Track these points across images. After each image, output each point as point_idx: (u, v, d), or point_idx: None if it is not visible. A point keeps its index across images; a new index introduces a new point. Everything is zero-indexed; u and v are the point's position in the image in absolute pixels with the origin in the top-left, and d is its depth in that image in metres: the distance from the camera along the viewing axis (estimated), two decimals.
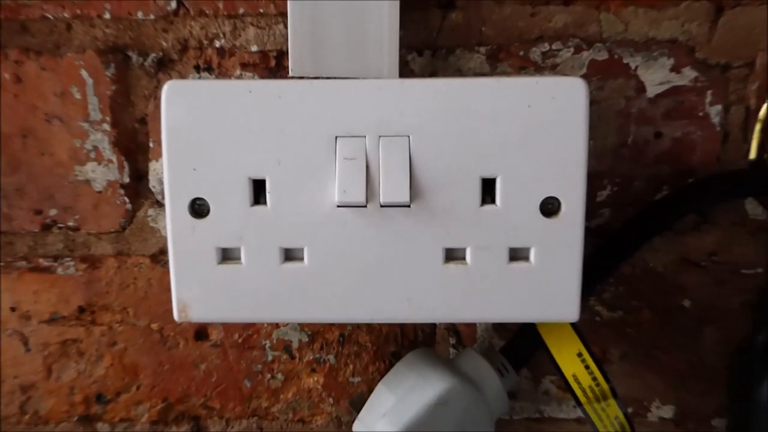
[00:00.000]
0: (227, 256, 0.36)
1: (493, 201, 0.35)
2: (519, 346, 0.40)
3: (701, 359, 0.44)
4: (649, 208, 0.40)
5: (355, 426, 0.39)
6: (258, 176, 0.35)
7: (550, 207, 0.35)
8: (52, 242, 0.43)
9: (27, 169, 0.42)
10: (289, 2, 0.36)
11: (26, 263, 0.44)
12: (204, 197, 0.35)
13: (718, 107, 0.40)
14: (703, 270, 0.43)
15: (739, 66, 0.40)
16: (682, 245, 0.42)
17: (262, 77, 0.40)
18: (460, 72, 0.40)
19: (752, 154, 0.41)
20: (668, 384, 0.44)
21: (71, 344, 0.44)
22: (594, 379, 0.38)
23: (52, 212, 0.43)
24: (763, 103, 0.40)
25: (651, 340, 0.44)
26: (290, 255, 0.36)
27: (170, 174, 0.35)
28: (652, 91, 0.40)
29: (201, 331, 0.44)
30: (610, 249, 0.40)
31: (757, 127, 0.40)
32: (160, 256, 0.43)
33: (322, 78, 0.36)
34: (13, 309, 0.44)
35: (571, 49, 0.40)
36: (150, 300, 0.43)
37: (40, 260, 0.43)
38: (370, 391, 0.39)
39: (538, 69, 0.40)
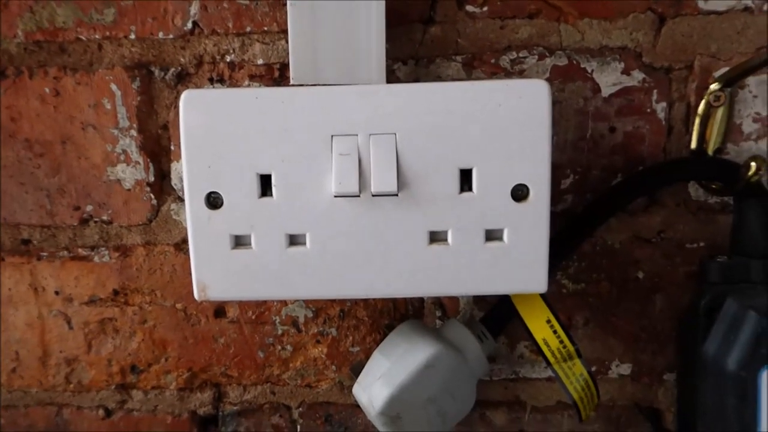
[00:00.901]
0: (239, 242, 0.35)
1: (470, 189, 0.34)
2: (496, 315, 0.40)
3: (653, 323, 0.43)
4: (605, 193, 0.40)
5: (355, 389, 0.38)
6: (265, 172, 0.34)
7: (519, 193, 0.34)
8: (89, 234, 0.42)
9: (67, 171, 0.41)
10: (289, 20, 0.35)
11: (68, 253, 0.43)
12: (218, 191, 0.34)
13: (663, 104, 0.40)
14: (652, 245, 0.42)
15: (680, 68, 0.39)
16: (634, 224, 0.42)
17: (267, 86, 0.40)
18: (439, 78, 0.39)
19: (693, 144, 0.40)
20: (626, 345, 0.44)
21: (108, 322, 0.44)
22: (561, 342, 0.37)
23: (89, 208, 0.42)
24: (701, 100, 0.39)
25: (610, 307, 0.43)
26: (294, 240, 0.35)
27: (189, 171, 0.34)
28: (606, 91, 0.40)
29: (219, 310, 0.43)
30: (572, 229, 0.39)
31: (696, 121, 0.40)
32: (182, 245, 0.42)
33: (320, 85, 0.35)
34: (57, 293, 0.43)
35: (536, 57, 0.39)
36: (175, 283, 0.43)
37: (80, 250, 0.43)
38: (368, 358, 0.38)
39: (508, 74, 0.39)
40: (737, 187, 0.38)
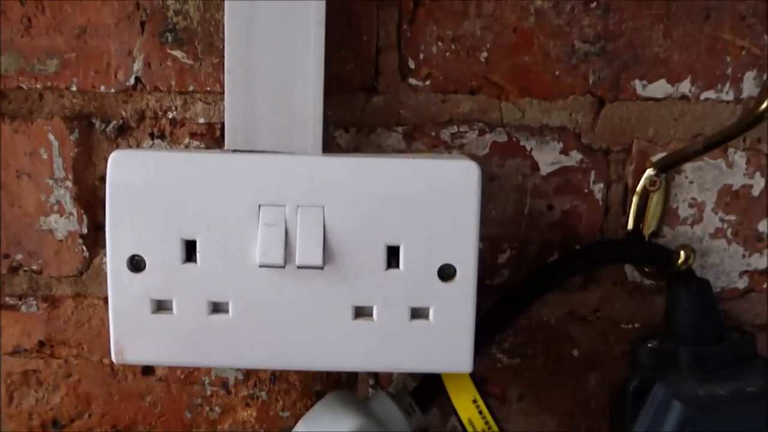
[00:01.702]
0: (161, 306, 0.34)
1: (397, 265, 0.34)
2: (426, 388, 0.39)
3: (587, 400, 0.43)
4: (540, 269, 0.39)
5: None
6: (190, 237, 0.33)
7: (446, 272, 0.33)
8: (18, 283, 0.41)
9: None
10: (226, 83, 0.35)
11: None
12: (141, 254, 0.34)
13: (601, 185, 0.40)
14: (588, 323, 0.42)
15: (618, 150, 0.40)
16: (571, 301, 0.41)
17: (208, 146, 0.39)
18: (380, 148, 0.39)
19: (630, 226, 0.40)
20: (559, 422, 0.43)
21: (31, 374, 0.42)
22: (486, 423, 0.37)
23: (19, 257, 0.41)
24: (639, 182, 0.39)
25: (545, 383, 0.42)
26: (217, 308, 0.34)
27: (111, 232, 0.34)
28: (544, 169, 0.40)
29: (148, 367, 0.42)
30: (507, 304, 0.39)
31: (634, 202, 0.40)
32: None
33: (253, 151, 0.35)
34: None
35: (476, 132, 0.39)
36: (103, 337, 0.41)
37: (7, 298, 0.41)
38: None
39: (448, 147, 0.39)
40: (669, 273, 0.38)
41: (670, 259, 0.38)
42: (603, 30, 0.38)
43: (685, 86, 0.39)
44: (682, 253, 0.37)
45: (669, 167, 0.39)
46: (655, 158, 0.39)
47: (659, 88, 0.39)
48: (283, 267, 0.33)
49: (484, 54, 0.38)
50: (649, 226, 0.40)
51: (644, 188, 0.39)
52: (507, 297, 0.39)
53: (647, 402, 0.38)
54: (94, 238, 0.41)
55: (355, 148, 0.39)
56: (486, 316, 0.38)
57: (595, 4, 0.38)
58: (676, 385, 0.37)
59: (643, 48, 0.38)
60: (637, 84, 0.39)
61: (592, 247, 0.40)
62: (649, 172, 0.39)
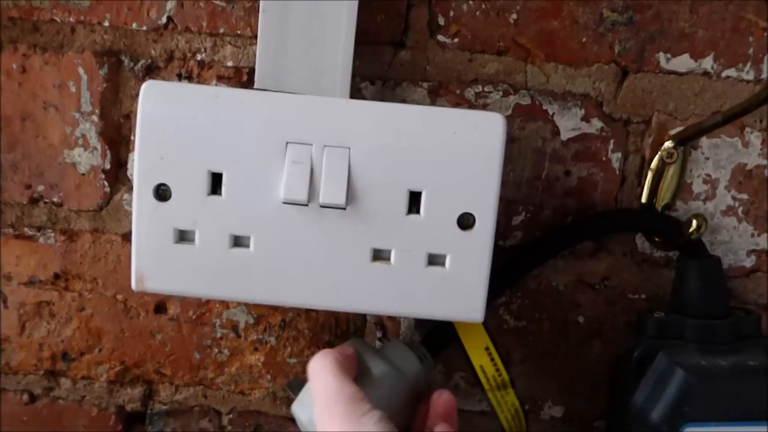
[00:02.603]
0: (183, 237, 0.35)
1: (417, 211, 0.34)
2: (436, 338, 0.39)
3: (589, 368, 0.43)
4: (551, 232, 0.40)
5: (294, 406, 0.37)
6: (216, 170, 0.34)
7: (466, 221, 0.34)
8: (37, 214, 0.42)
9: (23, 148, 0.41)
10: (260, 24, 0.35)
11: (12, 230, 0.42)
12: (168, 183, 0.34)
13: (618, 154, 0.41)
14: (596, 291, 0.42)
15: (638, 122, 0.40)
16: (580, 268, 0.42)
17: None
18: (405, 102, 0.40)
19: (643, 198, 0.41)
20: (560, 387, 0.44)
21: (45, 306, 0.43)
22: (497, 370, 0.37)
23: (40, 188, 0.41)
24: (656, 155, 0.40)
25: (548, 348, 0.43)
26: (238, 242, 0.35)
27: (140, 160, 0.34)
28: (565, 135, 0.40)
29: (160, 305, 0.43)
30: (516, 262, 0.40)
31: (649, 175, 0.40)
32: (130, 236, 0.41)
33: (281, 92, 0.35)
34: None
35: (500, 93, 0.40)
36: (118, 274, 0.42)
37: (26, 229, 0.42)
38: (304, 372, 0.38)
39: (471, 106, 0.40)
40: (679, 243, 0.39)
41: (681, 230, 0.39)
42: (632, 1, 0.39)
43: (707, 62, 0.40)
44: (694, 221, 0.38)
45: (686, 141, 0.40)
46: (673, 131, 0.40)
47: (683, 62, 0.40)
48: (307, 205, 0.34)
49: (514, 16, 0.39)
50: (663, 198, 0.40)
51: (661, 160, 0.40)
52: (516, 255, 0.40)
53: (649, 370, 0.38)
54: (116, 174, 0.41)
55: (380, 101, 0.40)
56: (495, 272, 0.38)
57: None
58: (679, 355, 0.38)
59: (670, 22, 0.39)
60: (662, 57, 0.39)
61: (605, 214, 0.40)
62: (667, 144, 0.40)
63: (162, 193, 0.34)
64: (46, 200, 0.41)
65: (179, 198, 0.34)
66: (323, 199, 0.33)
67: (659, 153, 0.40)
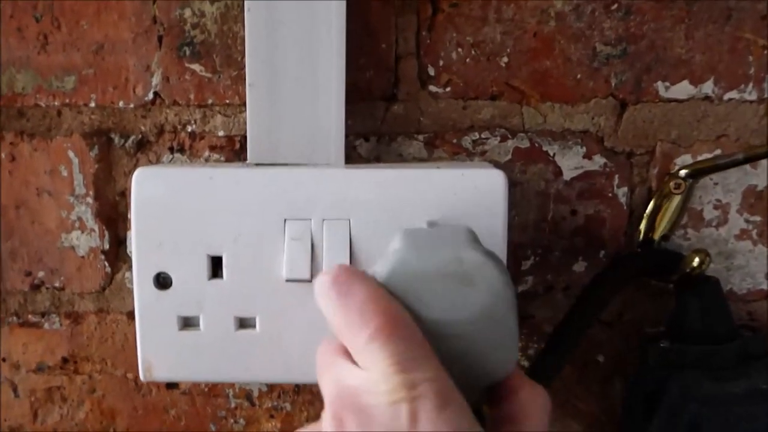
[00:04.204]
0: (188, 323, 0.34)
1: None
2: None
3: (614, 406, 0.42)
4: (557, 330, 0.38)
5: None
6: (216, 253, 0.33)
7: None
8: (40, 300, 0.41)
9: (20, 236, 0.40)
10: (248, 96, 0.35)
11: (17, 318, 0.42)
12: (167, 271, 0.34)
13: (625, 189, 0.40)
14: (612, 328, 0.41)
15: (642, 153, 0.40)
16: None
17: (228, 159, 0.39)
18: (401, 156, 0.39)
19: (641, 232, 0.39)
20: (586, 428, 0.43)
21: (55, 391, 0.42)
22: None
23: (41, 274, 0.41)
24: (662, 184, 0.39)
25: (571, 390, 0.42)
26: (244, 323, 0.34)
27: (138, 250, 0.34)
28: (567, 174, 0.39)
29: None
30: (553, 352, 0.38)
31: (651, 204, 0.39)
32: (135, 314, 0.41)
33: (276, 164, 0.35)
34: (4, 359, 0.42)
35: (498, 138, 0.39)
36: (126, 352, 0.42)
37: (30, 316, 0.42)
38: None
39: (470, 154, 0.39)
40: (676, 277, 0.38)
41: (679, 264, 0.38)
42: (624, 32, 0.38)
43: (708, 87, 0.39)
44: (696, 258, 0.37)
45: (701, 174, 0.39)
46: (681, 160, 0.39)
47: (682, 89, 0.39)
48: (310, 281, 0.33)
49: (505, 59, 0.38)
50: (661, 230, 0.39)
51: (669, 191, 0.39)
52: (549, 345, 0.38)
53: (662, 402, 0.37)
54: (116, 253, 0.41)
55: (376, 157, 0.39)
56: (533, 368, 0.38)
57: (615, 6, 0.38)
58: (689, 385, 0.37)
59: (665, 49, 0.38)
60: (660, 86, 0.39)
61: (602, 279, 0.38)
62: (682, 173, 0.38)
63: (162, 281, 0.34)
64: (48, 285, 0.41)
65: (180, 284, 0.34)
66: None
67: (665, 184, 0.39)
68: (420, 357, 0.24)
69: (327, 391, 0.26)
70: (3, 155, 0.39)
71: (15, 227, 0.40)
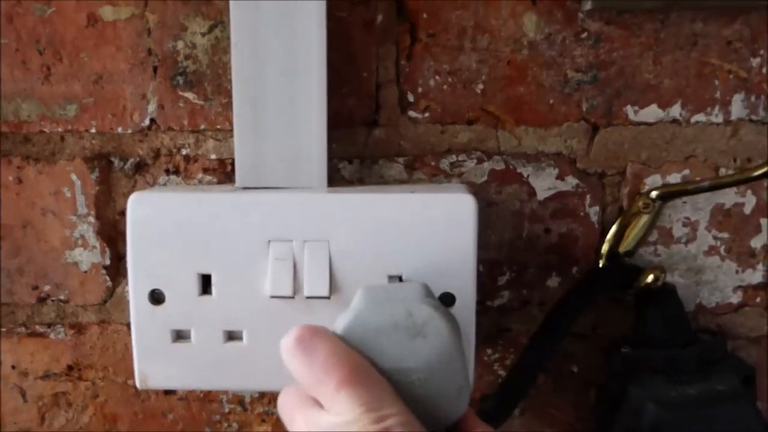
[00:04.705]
0: (180, 336, 0.37)
1: None
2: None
3: (588, 417, 0.44)
4: (528, 348, 0.40)
5: None
6: (205, 271, 0.36)
7: (446, 300, 0.35)
8: (46, 312, 0.44)
9: (26, 253, 0.43)
10: (234, 125, 0.37)
11: (25, 329, 0.44)
12: (161, 288, 0.36)
13: (596, 208, 0.42)
14: (587, 340, 0.43)
15: (613, 174, 0.41)
16: None
17: (220, 180, 0.42)
18: (383, 178, 0.41)
19: (604, 248, 0.41)
20: None
21: (61, 396, 0.45)
22: None
23: (47, 288, 0.43)
24: (632, 203, 0.41)
25: (545, 399, 0.44)
26: (232, 336, 0.37)
27: (133, 269, 0.36)
28: (541, 195, 0.41)
29: None
30: (523, 369, 0.40)
31: (617, 221, 0.41)
32: None
33: (262, 188, 0.37)
34: (13, 367, 0.45)
35: (474, 160, 0.41)
36: (126, 360, 0.44)
37: (36, 327, 0.44)
38: None
39: (447, 176, 0.41)
40: (635, 290, 0.40)
41: (637, 280, 0.40)
42: (594, 59, 0.40)
43: (675, 110, 0.40)
44: (651, 275, 0.39)
45: (670, 197, 0.40)
46: (652, 182, 0.41)
47: (651, 113, 0.40)
48: (293, 297, 0.35)
49: (480, 86, 0.40)
50: (626, 245, 0.41)
51: (638, 210, 0.41)
52: (520, 362, 0.40)
53: (623, 407, 0.39)
54: (117, 268, 0.43)
55: (359, 179, 0.41)
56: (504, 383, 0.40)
57: (585, 34, 0.39)
58: (649, 388, 0.38)
59: (634, 75, 0.40)
60: (629, 110, 0.40)
61: (571, 298, 0.40)
62: (653, 194, 0.40)
63: (156, 296, 0.36)
64: (53, 298, 0.44)
65: (173, 300, 0.36)
66: (308, 291, 0.35)
67: (634, 204, 0.41)
68: (384, 397, 0.27)
69: (300, 429, 0.28)
70: (10, 178, 0.42)
71: (22, 245, 0.43)
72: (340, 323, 0.30)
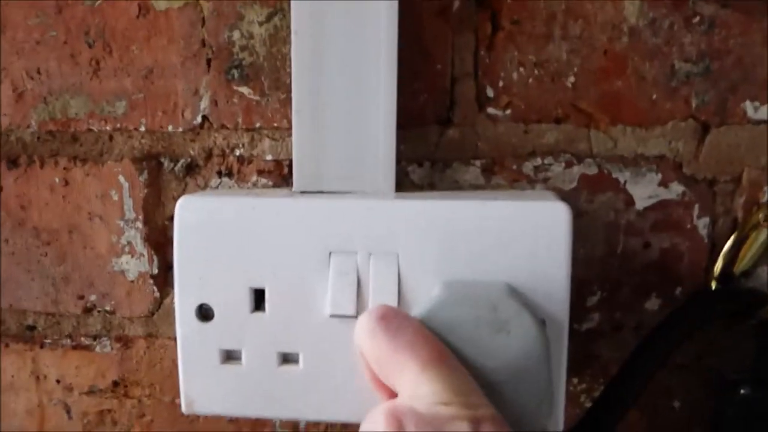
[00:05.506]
0: (229, 356, 0.33)
1: None
2: None
3: None
4: (618, 378, 0.34)
5: None
6: (258, 286, 0.32)
7: None
8: (92, 323, 0.41)
9: (72, 260, 0.40)
10: (293, 123, 0.33)
11: (70, 341, 0.41)
12: (209, 303, 0.32)
13: (706, 219, 0.36)
14: (689, 371, 0.37)
15: (726, 181, 0.35)
16: None
17: (275, 183, 0.38)
18: (456, 183, 0.36)
19: (717, 268, 0.35)
20: None
21: (107, 414, 0.42)
22: None
23: (93, 297, 0.40)
24: (750, 214, 0.35)
25: None
26: (287, 358, 0.32)
27: (180, 281, 0.32)
28: (640, 204, 0.36)
29: None
30: (610, 402, 0.34)
31: (733, 236, 0.35)
32: None
33: (322, 192, 0.33)
34: (58, 381, 0.42)
35: (562, 164, 0.36)
36: (174, 377, 0.41)
37: (82, 339, 0.41)
38: None
39: (531, 182, 0.36)
40: (760, 319, 0.34)
41: (763, 305, 0.33)
42: (707, 48, 0.34)
43: None
44: None
45: None
46: None
47: None
48: (356, 317, 0.31)
49: (571, 79, 0.35)
50: (744, 265, 0.35)
51: (757, 222, 0.35)
52: (595, 410, 0.35)
53: None
54: (165, 278, 0.40)
55: (430, 184, 0.37)
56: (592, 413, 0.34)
57: (697, 19, 0.34)
58: None
59: (754, 66, 0.34)
60: (748, 106, 0.34)
61: (670, 320, 0.34)
62: None
63: (204, 312, 0.32)
64: (99, 309, 0.41)
65: (222, 317, 0.32)
66: None
67: (754, 214, 0.35)
68: (472, 387, 0.25)
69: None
70: (57, 180, 0.39)
71: (68, 251, 0.40)
72: (418, 312, 0.28)
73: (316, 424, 0.40)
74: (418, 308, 0.28)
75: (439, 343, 0.26)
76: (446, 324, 0.27)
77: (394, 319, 0.27)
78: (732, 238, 0.35)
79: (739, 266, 0.35)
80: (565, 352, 0.31)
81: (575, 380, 0.38)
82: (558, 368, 0.30)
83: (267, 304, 0.32)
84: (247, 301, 0.32)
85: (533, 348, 0.27)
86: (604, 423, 0.34)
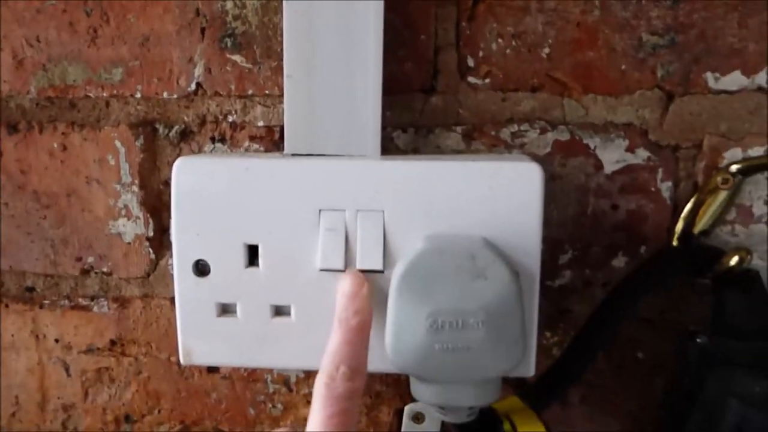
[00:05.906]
0: (225, 310, 0.35)
1: None
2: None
3: (652, 404, 0.41)
4: (590, 321, 0.37)
5: None
6: (252, 242, 0.34)
7: None
8: (90, 285, 0.42)
9: (71, 223, 0.41)
10: (285, 88, 0.35)
11: (68, 302, 0.43)
12: (206, 259, 0.34)
13: (669, 183, 0.38)
14: (654, 326, 0.40)
15: (688, 147, 0.38)
16: None
17: (267, 149, 0.39)
18: (439, 148, 0.38)
19: (678, 226, 0.38)
20: (623, 425, 0.41)
21: (104, 372, 0.44)
22: None
23: (90, 259, 0.42)
24: (709, 178, 0.37)
25: (607, 386, 0.41)
26: (279, 311, 0.34)
27: (177, 238, 0.34)
28: (609, 168, 0.38)
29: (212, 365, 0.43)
30: (577, 351, 0.37)
31: (693, 198, 0.37)
32: None
33: (312, 155, 0.35)
34: (57, 340, 0.43)
35: (538, 130, 0.38)
36: (170, 336, 0.42)
37: (80, 299, 0.43)
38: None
39: (508, 147, 0.38)
40: (716, 274, 0.36)
41: (720, 259, 0.36)
42: (673, 21, 0.36)
43: (761, 77, 0.36)
44: (735, 257, 0.35)
45: (750, 172, 0.37)
46: (731, 156, 0.37)
47: (733, 80, 0.37)
48: (344, 271, 0.33)
49: (546, 50, 0.37)
50: (704, 224, 0.37)
51: (715, 186, 0.37)
52: (564, 358, 0.37)
53: (700, 401, 0.35)
54: (160, 240, 0.41)
55: (414, 149, 0.39)
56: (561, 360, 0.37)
57: None
58: (729, 382, 0.35)
59: (716, 39, 0.36)
60: (709, 77, 0.37)
61: (634, 277, 0.37)
62: (733, 169, 0.36)
63: (201, 268, 0.34)
64: (97, 270, 0.42)
65: (218, 272, 0.34)
66: (360, 265, 0.33)
67: (712, 178, 0.37)
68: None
69: None
70: (55, 145, 0.40)
71: (66, 214, 0.41)
72: (401, 263, 0.31)
73: (307, 378, 0.42)
74: (403, 259, 0.31)
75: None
76: (429, 272, 0.30)
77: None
78: (692, 200, 0.37)
79: (699, 226, 0.37)
80: (536, 302, 0.33)
81: (548, 334, 0.40)
82: (530, 317, 0.33)
83: (260, 260, 0.34)
84: (241, 256, 0.34)
85: (508, 293, 0.29)
86: (573, 369, 0.37)
